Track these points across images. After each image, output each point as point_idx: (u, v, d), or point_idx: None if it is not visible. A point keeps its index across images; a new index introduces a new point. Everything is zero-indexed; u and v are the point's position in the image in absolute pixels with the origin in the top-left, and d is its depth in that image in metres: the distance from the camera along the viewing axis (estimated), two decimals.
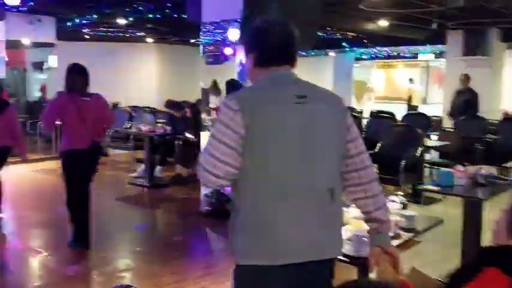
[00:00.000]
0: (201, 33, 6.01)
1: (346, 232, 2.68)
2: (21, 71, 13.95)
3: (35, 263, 4.46)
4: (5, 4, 7.81)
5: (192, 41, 14.00)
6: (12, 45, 9.31)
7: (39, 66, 13.66)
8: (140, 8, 8.01)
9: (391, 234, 2.68)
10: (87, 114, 4.51)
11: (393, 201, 3.15)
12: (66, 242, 4.66)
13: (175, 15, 8.70)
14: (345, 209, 3.00)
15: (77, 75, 4.50)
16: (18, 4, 7.36)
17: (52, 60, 12.29)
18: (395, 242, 2.63)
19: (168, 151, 8.03)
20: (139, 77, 14.32)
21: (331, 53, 14.81)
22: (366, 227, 2.01)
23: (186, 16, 8.72)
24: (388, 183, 5.82)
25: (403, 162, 5.83)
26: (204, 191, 6.08)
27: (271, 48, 1.75)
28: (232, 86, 7.11)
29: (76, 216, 4.65)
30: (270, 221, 1.65)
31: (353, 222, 2.65)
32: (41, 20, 9.02)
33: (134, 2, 7.71)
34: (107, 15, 9.04)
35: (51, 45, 9.58)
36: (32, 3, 7.67)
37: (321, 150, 1.71)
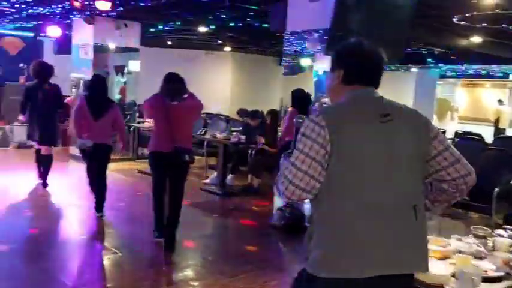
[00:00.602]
0: (285, 43, 5.85)
1: (448, 266, 2.37)
2: (104, 74, 14.57)
3: (108, 262, 4.49)
4: (96, 9, 8.13)
5: (270, 50, 13.99)
6: (98, 50, 9.67)
7: (120, 70, 14.23)
8: (223, 16, 8.02)
9: (501, 273, 2.34)
10: (174, 118, 4.52)
11: (500, 235, 2.78)
12: (141, 243, 4.68)
13: (256, 25, 8.65)
14: (446, 240, 2.68)
15: (173, 85, 4.55)
16: (109, 9, 7.60)
17: (132, 65, 12.75)
18: (505, 284, 2.29)
19: (241, 160, 7.94)
20: (215, 85, 14.48)
21: (414, 69, 14.17)
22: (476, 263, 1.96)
23: (268, 26, 8.74)
24: (479, 211, 5.33)
25: (496, 190, 5.31)
26: (277, 204, 5.90)
27: (358, 68, 1.83)
28: (299, 97, 6.95)
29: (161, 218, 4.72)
30: (350, 235, 1.68)
31: (459, 258, 2.33)
32: (127, 26, 9.30)
33: (217, 10, 7.72)
34: (189, 23, 9.17)
35: (135, 50, 9.85)
36: (121, 9, 7.91)
37: (405, 167, 1.74)
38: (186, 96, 4.69)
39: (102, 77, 5.86)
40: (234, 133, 7.32)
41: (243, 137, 7.32)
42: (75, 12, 8.82)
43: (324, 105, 7.51)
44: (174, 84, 4.57)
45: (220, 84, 14.68)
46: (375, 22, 4.91)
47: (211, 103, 13.27)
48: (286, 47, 5.84)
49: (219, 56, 14.66)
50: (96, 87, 5.55)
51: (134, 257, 4.65)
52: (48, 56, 11.66)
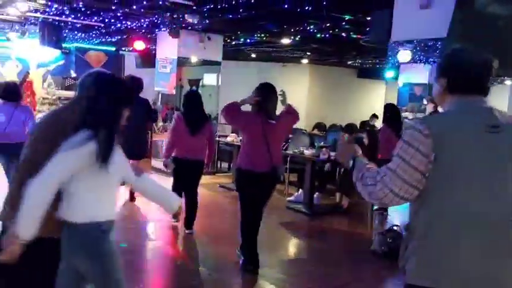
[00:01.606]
0: (390, 53, 5.42)
1: None
2: (178, 88, 14.73)
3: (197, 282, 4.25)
4: (182, 22, 8.10)
5: (349, 62, 13.54)
6: (179, 63, 9.66)
7: (195, 83, 14.31)
8: (311, 26, 7.72)
9: None
10: (271, 137, 4.25)
11: None
12: (229, 263, 4.39)
13: (344, 35, 8.27)
14: None
15: (269, 103, 4.30)
16: (195, 22, 7.53)
17: (208, 78, 12.72)
18: None
19: (328, 177, 7.56)
20: (291, 98, 14.16)
21: (508, 81, 13.12)
22: None
23: (355, 36, 8.35)
24: None
25: None
26: (377, 228, 5.45)
27: (464, 76, 1.78)
28: (391, 111, 6.58)
29: (247, 238, 4.40)
30: (449, 246, 1.67)
31: None
32: (211, 39, 9.23)
33: (306, 20, 7.43)
34: (273, 35, 8.95)
35: (216, 63, 9.75)
36: (207, 21, 7.82)
37: (510, 179, 1.69)
38: (283, 111, 4.45)
39: (197, 92, 5.80)
40: (323, 149, 6.93)
41: (333, 153, 6.92)
42: (161, 26, 8.87)
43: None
44: (269, 103, 4.28)
45: (297, 97, 14.33)
46: (495, 30, 4.39)
47: None
48: (391, 57, 5.39)
49: (296, 68, 14.38)
50: (193, 102, 5.44)
51: (222, 277, 4.38)
52: (130, 70, 11.91)
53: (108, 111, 2.20)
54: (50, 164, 2.04)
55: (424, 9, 4.84)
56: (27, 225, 1.99)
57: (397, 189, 1.69)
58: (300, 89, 14.51)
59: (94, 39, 11.66)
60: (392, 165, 1.72)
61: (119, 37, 10.69)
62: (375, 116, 12.52)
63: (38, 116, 9.74)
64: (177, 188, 5.50)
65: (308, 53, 11.81)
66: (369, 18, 6.37)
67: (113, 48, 13.50)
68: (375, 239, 5.35)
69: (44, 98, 9.94)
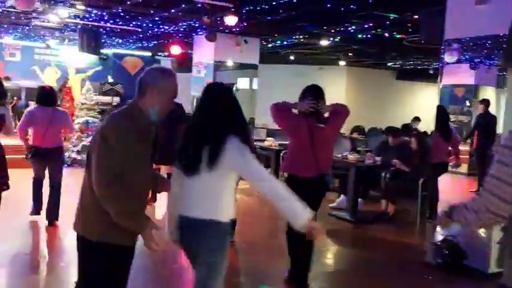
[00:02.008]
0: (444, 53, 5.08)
1: None
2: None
3: None
4: (219, 26, 7.98)
5: (389, 64, 13.16)
6: (215, 68, 9.55)
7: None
8: (353, 26, 7.46)
9: None
10: (319, 142, 4.01)
11: None
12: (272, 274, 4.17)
13: (387, 35, 7.96)
14: None
15: (319, 98, 4.04)
16: (233, 25, 7.38)
17: (242, 82, 12.63)
18: None
19: (372, 183, 7.25)
20: (328, 101, 13.88)
21: None
22: None
23: (399, 36, 8.03)
24: None
25: None
26: (430, 237, 5.14)
27: None
28: (441, 115, 6.20)
29: (293, 249, 4.16)
30: None
31: None
32: (247, 42, 9.08)
33: (347, 20, 7.18)
34: (312, 36, 8.73)
35: (253, 66, 9.59)
36: (244, 24, 7.67)
37: None
38: (330, 111, 4.16)
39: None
40: (368, 153, 6.64)
41: (378, 158, 6.63)
42: (198, 30, 8.78)
43: None
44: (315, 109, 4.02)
45: (334, 100, 14.04)
46: None
47: None
48: (444, 57, 5.08)
49: (333, 70, 14.09)
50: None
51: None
52: None
53: (244, 119, 2.52)
54: (257, 164, 2.32)
55: (480, 4, 4.52)
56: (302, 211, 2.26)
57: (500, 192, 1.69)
58: (336, 91, 14.21)
59: (131, 45, 11.72)
60: (491, 186, 1.72)
61: (156, 42, 10.70)
62: (417, 119, 12.09)
63: (77, 122, 9.85)
64: None
65: (347, 55, 11.51)
66: (416, 17, 6.08)
67: (149, 54, 13.57)
68: (429, 249, 5.04)
69: (82, 104, 10.02)
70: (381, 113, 13.66)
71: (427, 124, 10.45)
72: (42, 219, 5.65)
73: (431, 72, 12.80)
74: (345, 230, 6.42)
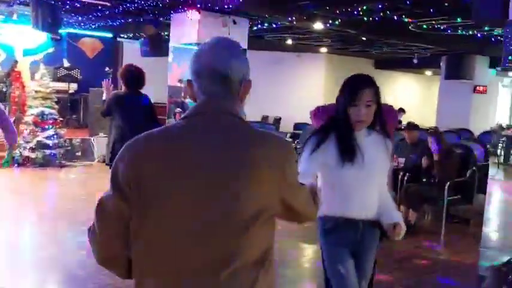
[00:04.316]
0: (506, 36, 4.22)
1: None
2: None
3: None
4: (203, 1, 6.81)
5: (375, 52, 12.39)
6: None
7: None
8: (364, 7, 6.53)
9: None
10: None
11: None
12: None
13: (396, 18, 7.11)
14: None
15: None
16: None
17: None
18: None
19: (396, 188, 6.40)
20: (305, 91, 12.98)
21: None
22: None
23: (407, 20, 7.20)
24: None
25: None
26: (486, 258, 4.32)
27: None
28: None
29: None
30: None
31: None
32: (236, 23, 7.92)
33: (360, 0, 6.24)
34: (308, 17, 7.71)
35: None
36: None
37: None
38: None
39: None
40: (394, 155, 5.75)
41: (402, 159, 5.76)
42: (179, 8, 7.55)
43: None
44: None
45: (313, 89, 13.15)
46: None
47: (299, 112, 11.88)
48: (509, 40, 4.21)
49: (311, 58, 13.17)
50: None
51: None
52: (131, 59, 10.51)
53: None
54: None
55: None
56: None
57: None
58: (316, 78, 13.36)
59: (91, 24, 10.22)
60: None
61: (122, 21, 9.30)
62: (402, 110, 11.41)
63: (30, 113, 8.34)
64: None
65: (334, 41, 10.61)
66: None
67: (110, 35, 12.07)
68: (486, 273, 4.20)
69: (36, 92, 8.50)
70: None
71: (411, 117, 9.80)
72: None
73: (415, 61, 12.19)
74: None
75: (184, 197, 1.18)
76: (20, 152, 7.99)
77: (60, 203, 6.43)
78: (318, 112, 3.11)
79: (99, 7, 7.80)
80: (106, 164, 5.43)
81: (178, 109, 8.68)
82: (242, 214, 1.18)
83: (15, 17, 8.04)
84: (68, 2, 7.51)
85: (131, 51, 11.48)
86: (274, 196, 1.23)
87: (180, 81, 8.64)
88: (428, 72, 15.47)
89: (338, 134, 2.22)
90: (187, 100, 8.33)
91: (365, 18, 7.18)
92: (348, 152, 2.18)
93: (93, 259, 1.36)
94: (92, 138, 9.16)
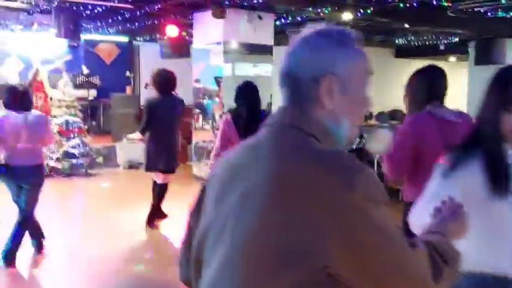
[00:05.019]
0: None
1: None
2: None
3: None
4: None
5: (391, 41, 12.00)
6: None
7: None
8: None
9: None
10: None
11: None
12: None
13: (434, 3, 6.79)
14: None
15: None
16: None
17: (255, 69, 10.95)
18: None
19: None
20: None
21: None
22: None
23: (446, 5, 6.86)
24: None
25: None
26: None
27: None
28: None
29: None
30: None
31: None
32: (262, 18, 7.62)
33: None
34: (339, 8, 7.41)
35: (266, 49, 8.00)
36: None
37: None
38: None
39: (253, 85, 4.31)
40: None
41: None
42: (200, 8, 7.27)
43: None
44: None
45: None
46: None
47: None
48: None
49: None
50: (246, 98, 4.18)
51: None
52: (149, 62, 10.25)
53: None
54: None
55: None
56: None
57: None
58: None
59: (108, 29, 9.99)
60: None
61: (142, 23, 9.05)
62: None
63: (55, 123, 8.09)
64: None
65: (363, 31, 10.25)
66: None
67: (126, 39, 11.84)
68: None
69: (60, 101, 8.29)
70: (386, 95, 12.51)
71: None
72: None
73: (441, 48, 11.80)
74: None
75: None
76: (47, 163, 7.79)
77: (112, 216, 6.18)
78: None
79: (121, 11, 7.55)
80: (146, 170, 5.32)
81: (197, 110, 8.41)
82: None
83: (35, 26, 7.82)
84: (90, 7, 7.26)
85: (148, 54, 11.25)
86: None
87: (196, 81, 8.39)
88: (452, 59, 15.00)
89: (486, 153, 1.58)
90: (205, 101, 8.09)
91: (401, 5, 6.85)
92: (505, 180, 1.54)
93: None
94: (116, 145, 8.94)
